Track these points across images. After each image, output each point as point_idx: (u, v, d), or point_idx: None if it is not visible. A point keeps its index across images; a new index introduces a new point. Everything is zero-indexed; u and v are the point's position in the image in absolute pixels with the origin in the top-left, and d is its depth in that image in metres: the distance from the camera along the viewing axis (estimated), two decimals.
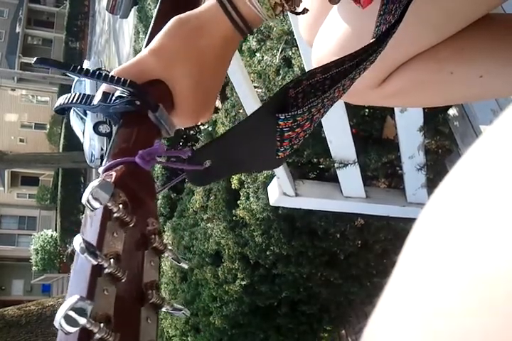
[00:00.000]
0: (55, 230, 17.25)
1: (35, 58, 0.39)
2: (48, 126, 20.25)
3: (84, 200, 0.28)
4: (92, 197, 0.28)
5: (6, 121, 20.71)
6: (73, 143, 13.88)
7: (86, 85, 10.98)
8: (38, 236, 17.06)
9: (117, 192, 0.30)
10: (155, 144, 0.38)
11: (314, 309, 2.43)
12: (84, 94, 0.42)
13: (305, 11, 0.43)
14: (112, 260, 0.27)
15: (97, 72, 0.40)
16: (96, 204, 0.28)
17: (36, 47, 22.26)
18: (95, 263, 0.26)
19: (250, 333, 2.58)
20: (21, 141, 20.75)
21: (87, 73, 0.40)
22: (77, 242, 0.26)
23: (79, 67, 0.39)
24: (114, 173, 0.33)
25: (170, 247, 0.32)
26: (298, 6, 0.42)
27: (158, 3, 0.52)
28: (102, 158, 11.77)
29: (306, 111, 0.43)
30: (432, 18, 0.56)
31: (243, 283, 2.32)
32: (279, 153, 0.47)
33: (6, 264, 18.95)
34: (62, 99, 0.42)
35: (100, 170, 0.35)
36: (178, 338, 3.05)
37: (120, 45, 11.00)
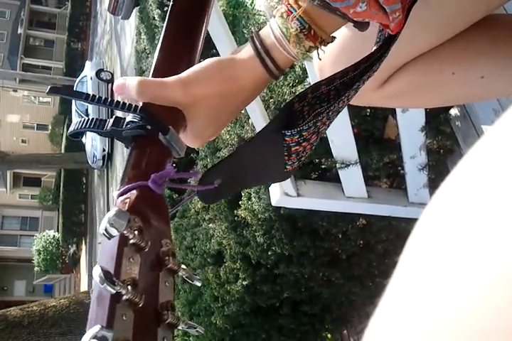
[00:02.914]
0: (57, 231, 17.28)
1: (48, 87, 0.41)
2: (50, 127, 20.29)
3: (101, 230, 0.29)
4: (110, 226, 0.29)
5: (7, 122, 20.75)
6: (75, 144, 13.90)
7: (88, 86, 11.00)
8: (40, 236, 17.09)
9: (132, 218, 0.31)
10: (166, 167, 0.40)
11: (316, 309, 2.43)
12: (97, 119, 0.43)
13: (333, 39, 0.44)
14: (129, 286, 0.28)
15: (109, 100, 0.41)
16: (113, 233, 0.29)
17: (38, 48, 22.30)
18: (114, 292, 0.27)
19: (252, 333, 2.58)
20: (23, 141, 20.79)
21: (99, 101, 0.41)
22: (96, 273, 0.27)
23: (91, 95, 0.41)
24: (128, 200, 0.35)
25: (183, 266, 0.34)
26: (329, 41, 0.43)
27: (167, 18, 0.52)
28: (103, 158, 11.79)
29: (312, 125, 0.43)
30: (432, 19, 0.56)
31: (245, 283, 2.32)
32: (288, 167, 0.48)
33: (8, 265, 18.99)
34: (75, 125, 0.44)
35: (115, 194, 0.37)
36: (180, 338, 3.06)
37: (122, 45, 11.01)
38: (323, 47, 0.43)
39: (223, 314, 2.51)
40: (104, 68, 12.10)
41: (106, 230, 0.29)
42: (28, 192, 21.14)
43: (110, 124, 0.42)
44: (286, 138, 0.44)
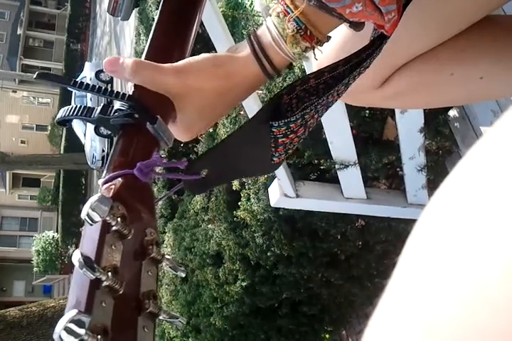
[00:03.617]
0: (57, 231, 17.27)
1: (36, 73, 0.40)
2: (49, 128, 20.27)
3: (83, 215, 0.29)
4: (92, 211, 0.29)
5: (7, 123, 20.74)
6: (74, 145, 13.89)
7: None
8: (39, 237, 17.08)
9: (116, 206, 0.31)
10: (153, 156, 0.39)
11: (315, 310, 2.43)
12: (85, 107, 0.43)
13: (329, 39, 0.44)
14: (109, 273, 0.28)
15: (97, 86, 0.41)
16: (95, 219, 0.29)
17: (37, 49, 22.30)
18: (93, 277, 0.27)
19: (251, 334, 2.58)
20: (22, 142, 20.77)
21: (86, 87, 0.40)
22: (76, 257, 0.27)
23: (79, 82, 0.41)
24: (113, 186, 0.34)
25: (167, 256, 0.33)
26: (325, 41, 0.43)
27: (159, 11, 0.52)
28: (103, 159, 11.77)
29: (299, 117, 0.43)
30: (432, 19, 0.57)
31: (244, 284, 2.32)
32: (274, 159, 0.48)
33: (7, 265, 18.96)
34: (63, 112, 0.43)
35: (100, 182, 0.36)
36: (179, 339, 3.06)
37: (121, 46, 11.01)
38: (319, 47, 0.43)
39: (222, 315, 2.51)
40: (104, 69, 12.08)
41: (88, 215, 0.29)
42: (27, 193, 21.12)
43: (98, 112, 0.42)
44: (274, 130, 0.44)
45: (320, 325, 2.57)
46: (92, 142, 11.61)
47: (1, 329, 3.74)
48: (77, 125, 10.95)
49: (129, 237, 0.31)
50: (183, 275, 0.35)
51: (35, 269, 16.76)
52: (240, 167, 0.49)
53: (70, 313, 0.24)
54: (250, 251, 2.21)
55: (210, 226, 2.54)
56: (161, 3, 0.52)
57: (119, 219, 0.31)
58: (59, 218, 16.75)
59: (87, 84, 0.40)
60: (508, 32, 0.62)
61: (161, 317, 0.30)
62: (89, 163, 12.26)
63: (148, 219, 0.34)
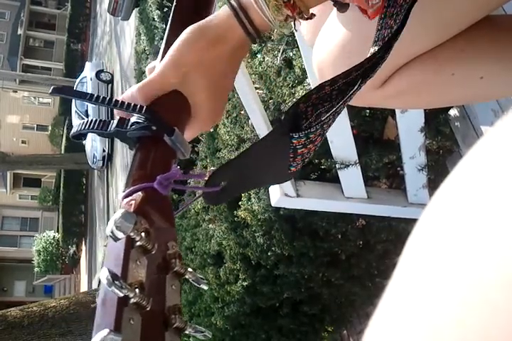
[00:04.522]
0: (57, 231, 17.29)
1: (51, 88, 0.41)
2: (50, 128, 20.30)
3: (108, 232, 0.29)
4: (116, 228, 0.29)
5: (7, 123, 20.75)
6: (75, 145, 13.92)
7: (88, 87, 11.01)
8: (40, 237, 17.10)
9: (139, 220, 0.31)
10: (172, 168, 0.39)
11: (316, 309, 2.43)
12: (101, 120, 0.43)
13: (312, 16, 0.44)
14: (136, 289, 0.27)
15: (114, 100, 0.41)
16: (120, 235, 0.29)
17: (38, 49, 22.30)
18: (121, 295, 0.26)
19: (252, 334, 2.58)
20: (23, 142, 20.78)
21: (103, 101, 0.41)
22: (104, 275, 0.27)
23: (95, 96, 0.41)
24: (134, 201, 0.34)
25: (190, 269, 0.33)
26: (307, 15, 0.44)
27: (173, 8, 0.52)
28: (103, 159, 11.78)
29: (319, 128, 0.44)
30: (433, 19, 0.57)
31: (245, 283, 2.32)
32: (292, 168, 0.49)
33: (8, 265, 18.98)
34: (78, 126, 0.43)
35: (120, 196, 0.36)
36: None
37: (121, 46, 11.01)
38: (300, 19, 0.43)
39: (223, 314, 2.51)
40: (104, 69, 12.10)
41: (112, 232, 0.29)
42: (28, 193, 21.13)
43: (114, 125, 0.42)
44: (294, 141, 0.44)
45: (321, 325, 2.57)
46: (93, 142, 11.61)
47: (2, 330, 3.74)
48: None
49: (153, 252, 0.31)
50: (206, 287, 0.35)
51: (36, 269, 16.78)
52: (257, 177, 0.50)
53: (101, 333, 0.24)
54: (251, 251, 2.21)
55: (210, 226, 2.55)
56: (174, 4, 0.53)
57: (142, 234, 0.30)
58: (60, 218, 16.77)
59: (104, 98, 0.41)
60: (508, 32, 0.62)
61: (186, 332, 0.29)
62: (89, 162, 12.27)
63: (169, 232, 0.34)
